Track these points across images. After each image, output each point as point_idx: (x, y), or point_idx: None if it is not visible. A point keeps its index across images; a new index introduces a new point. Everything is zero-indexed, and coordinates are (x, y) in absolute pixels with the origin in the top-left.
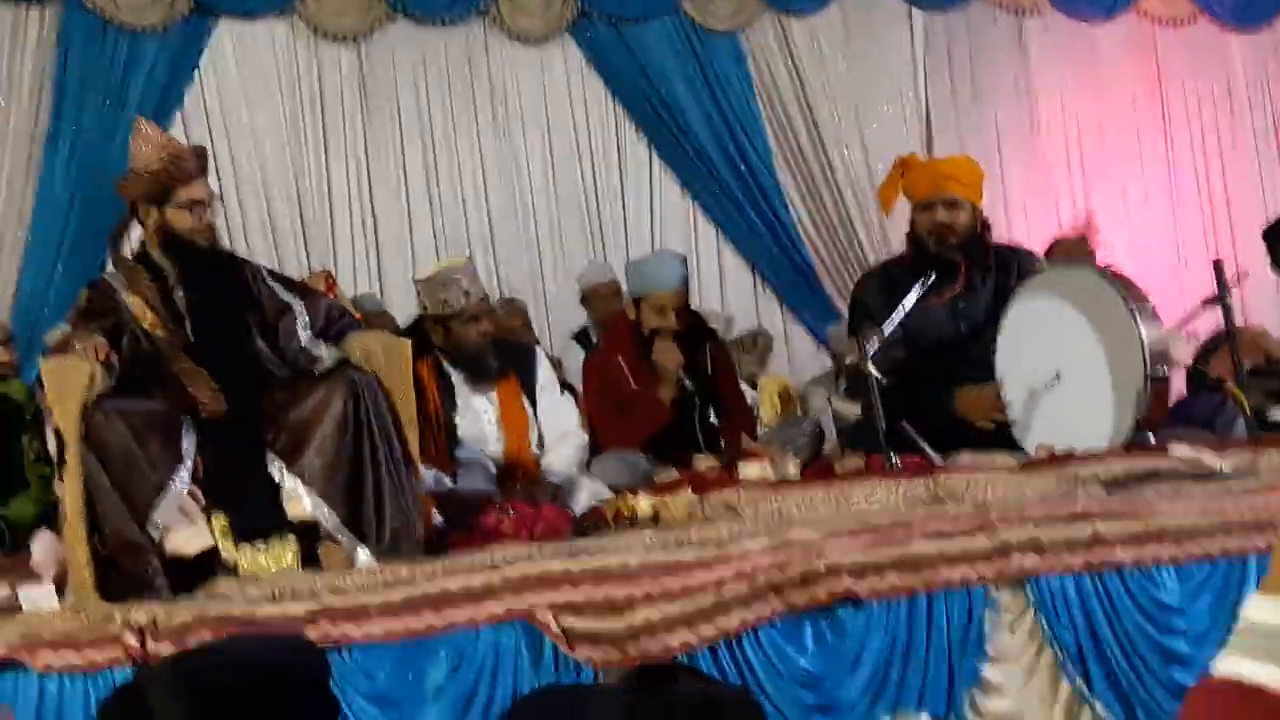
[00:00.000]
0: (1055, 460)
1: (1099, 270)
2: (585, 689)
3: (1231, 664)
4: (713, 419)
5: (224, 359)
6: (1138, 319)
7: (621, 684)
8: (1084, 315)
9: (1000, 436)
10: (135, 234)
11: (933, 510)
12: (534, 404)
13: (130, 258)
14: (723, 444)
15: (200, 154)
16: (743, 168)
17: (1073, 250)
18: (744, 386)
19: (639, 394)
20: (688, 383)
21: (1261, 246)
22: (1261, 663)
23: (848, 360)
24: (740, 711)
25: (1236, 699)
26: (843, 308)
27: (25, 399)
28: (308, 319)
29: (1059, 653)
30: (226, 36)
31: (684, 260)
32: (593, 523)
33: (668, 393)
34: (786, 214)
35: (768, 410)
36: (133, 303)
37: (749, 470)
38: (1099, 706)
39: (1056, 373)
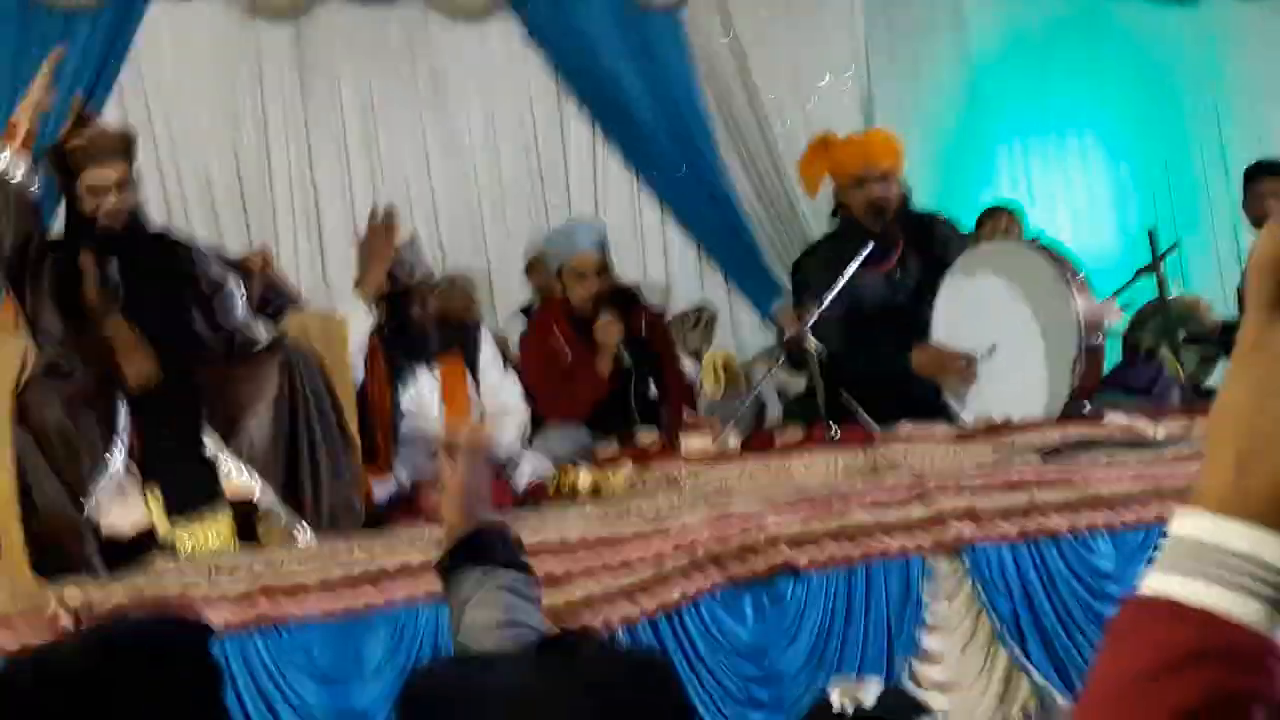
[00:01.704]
0: (992, 430)
1: (1030, 243)
2: (494, 655)
3: (1159, 581)
4: (652, 392)
5: (159, 334)
6: (1071, 289)
7: (528, 650)
8: (1018, 288)
9: (938, 407)
10: None
11: (870, 480)
12: (477, 381)
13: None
14: (662, 416)
15: (115, 138)
16: (684, 142)
17: (1002, 223)
18: (688, 361)
19: (576, 367)
20: (626, 355)
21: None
22: (1189, 578)
23: (788, 333)
24: (651, 672)
25: (1165, 616)
26: (786, 281)
27: None
28: (244, 296)
29: (996, 621)
30: (161, 15)
31: (600, 227)
32: (534, 497)
33: (605, 365)
34: (730, 189)
35: (711, 384)
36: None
37: (690, 443)
38: (1035, 674)
39: (992, 344)
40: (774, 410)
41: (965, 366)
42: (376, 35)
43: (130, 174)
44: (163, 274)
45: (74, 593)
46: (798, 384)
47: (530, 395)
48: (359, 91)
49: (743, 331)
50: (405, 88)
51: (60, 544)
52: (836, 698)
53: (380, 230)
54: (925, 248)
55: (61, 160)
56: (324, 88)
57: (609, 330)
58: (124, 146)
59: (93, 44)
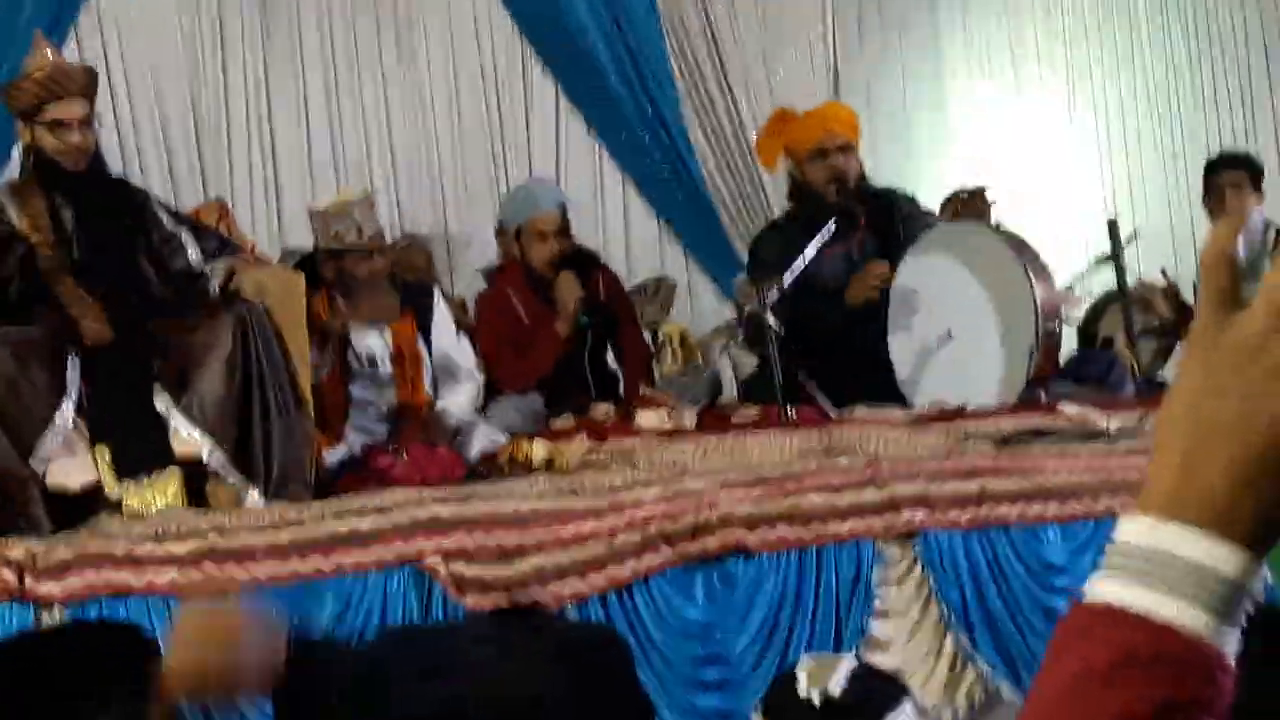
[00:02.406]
0: (946, 416)
1: (991, 228)
2: (452, 625)
3: (1102, 588)
4: (610, 362)
5: (111, 284)
6: (1030, 276)
7: (486, 621)
8: (975, 273)
9: (893, 392)
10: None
11: (824, 463)
12: (429, 344)
13: (22, 170)
14: (620, 382)
15: (78, 73)
16: (650, 111)
17: (967, 206)
18: (644, 333)
19: (534, 329)
20: (584, 317)
21: (1155, 206)
22: (1135, 585)
23: (747, 309)
24: (613, 645)
25: (1112, 623)
26: (747, 257)
27: None
28: (199, 249)
29: (945, 609)
30: None
31: (559, 188)
32: (486, 467)
33: (564, 327)
34: (693, 161)
35: (668, 358)
36: (19, 220)
37: (646, 418)
38: (982, 663)
39: (948, 330)
40: (729, 388)
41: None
42: None
43: (91, 113)
44: (118, 222)
45: (17, 548)
46: (753, 362)
47: (485, 361)
48: (321, 41)
49: (701, 306)
50: (368, 39)
51: (5, 498)
52: (804, 681)
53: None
54: (885, 224)
55: (20, 96)
56: (286, 35)
57: (568, 287)
58: (87, 83)
59: None
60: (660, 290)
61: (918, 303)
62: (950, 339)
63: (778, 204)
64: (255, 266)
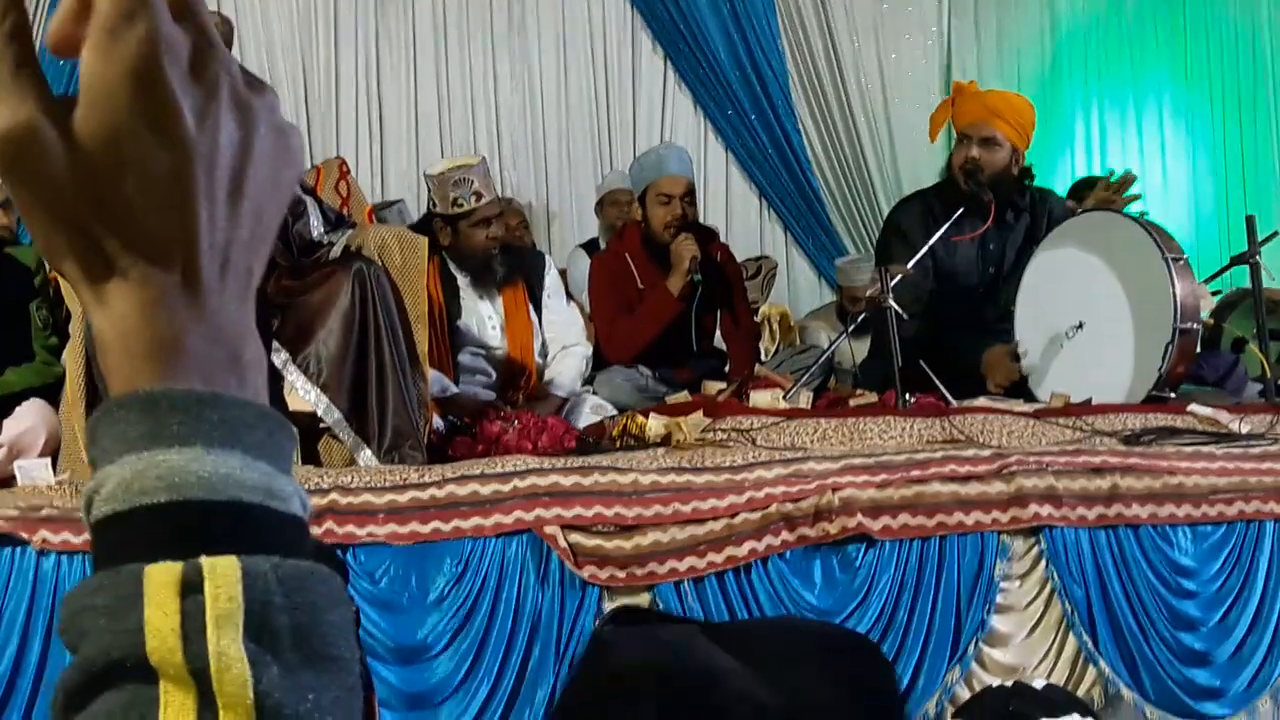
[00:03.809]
0: (1072, 410)
1: (1133, 219)
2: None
3: None
4: (717, 338)
5: None
6: (1171, 271)
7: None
8: (1112, 264)
9: (1015, 383)
10: None
11: (949, 452)
12: (539, 312)
13: None
14: (727, 353)
15: (215, 22)
16: (758, 89)
17: (1104, 194)
18: None
19: (645, 292)
20: (697, 276)
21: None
22: None
23: (868, 293)
24: (869, 649)
25: None
26: (848, 240)
27: (34, 264)
28: (321, 218)
29: (1068, 607)
30: None
31: (690, 158)
32: (596, 439)
33: (676, 283)
34: (799, 140)
35: (767, 336)
36: None
37: (761, 398)
38: (1103, 665)
39: (1079, 321)
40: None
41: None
42: None
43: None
44: None
45: None
46: (859, 348)
47: (596, 323)
48: (433, 7)
49: (799, 287)
50: (480, 7)
51: None
52: None
53: None
54: (1034, 226)
55: None
56: (399, 4)
57: (686, 244)
58: (224, 32)
59: None
60: (761, 270)
61: (1051, 293)
62: (1081, 330)
63: (882, 189)
64: (376, 228)
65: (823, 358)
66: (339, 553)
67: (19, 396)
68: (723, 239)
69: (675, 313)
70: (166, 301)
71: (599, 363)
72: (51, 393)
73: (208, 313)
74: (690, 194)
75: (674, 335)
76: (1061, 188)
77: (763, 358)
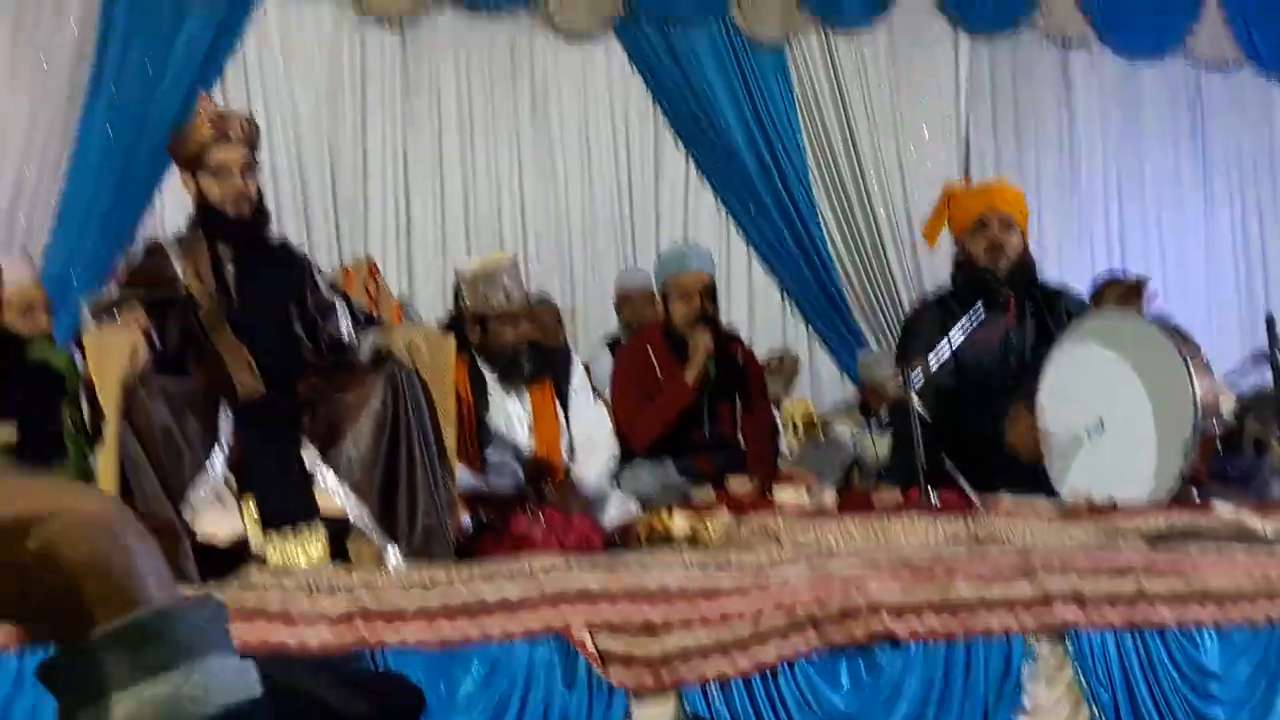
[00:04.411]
0: (1096, 510)
1: (1151, 318)
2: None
3: None
4: (738, 428)
5: (266, 340)
6: (1190, 371)
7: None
8: (1132, 363)
9: (1039, 481)
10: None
11: (974, 552)
12: (566, 409)
13: (190, 223)
14: (743, 446)
15: (241, 121)
16: (779, 183)
17: (1123, 296)
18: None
19: (664, 382)
20: (713, 369)
21: None
22: None
23: (891, 391)
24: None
25: None
26: (870, 335)
27: (65, 367)
28: (350, 319)
29: (1095, 711)
30: (273, 8)
31: (711, 256)
32: (624, 537)
33: (692, 374)
34: (820, 234)
35: (790, 434)
36: (184, 270)
37: (785, 495)
38: None
39: (1100, 420)
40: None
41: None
42: (482, 48)
43: (253, 160)
44: (278, 280)
45: None
46: (873, 450)
47: (615, 412)
48: (459, 103)
49: (822, 382)
50: (505, 102)
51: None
52: None
53: None
54: (1046, 320)
55: (185, 145)
56: (425, 97)
57: (701, 338)
58: (249, 131)
59: (203, 34)
60: (784, 365)
61: (1070, 390)
62: (1102, 429)
63: (903, 283)
64: (404, 328)
65: (848, 458)
66: (412, 682)
67: None
68: (744, 333)
69: (689, 400)
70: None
71: (623, 455)
72: None
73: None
74: (710, 290)
75: (690, 423)
76: (1081, 280)
77: (785, 453)
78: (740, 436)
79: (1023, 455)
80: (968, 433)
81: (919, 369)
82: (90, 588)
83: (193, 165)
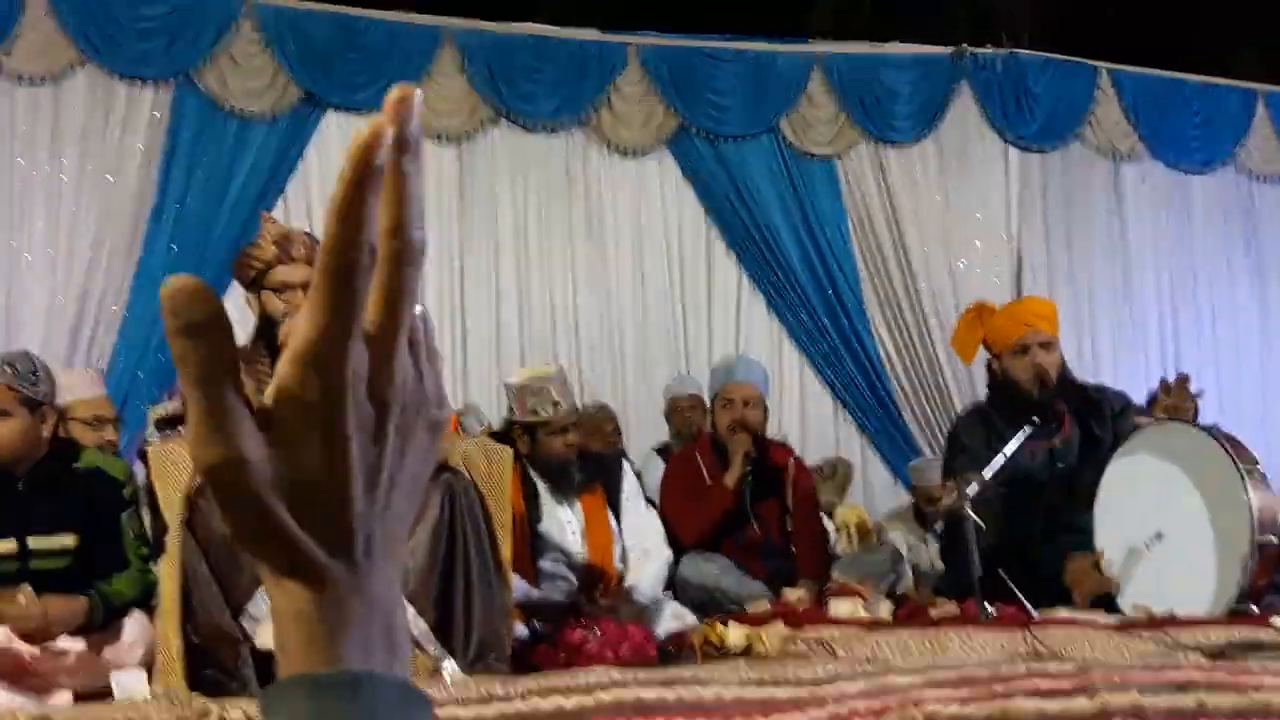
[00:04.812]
0: (1155, 623)
1: (1207, 429)
2: None
3: None
4: (788, 534)
5: None
6: (1246, 483)
7: None
8: (1188, 474)
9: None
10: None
11: (1032, 666)
12: (619, 517)
13: (251, 338)
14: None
15: (303, 240)
16: (830, 293)
17: (1170, 401)
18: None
19: (709, 487)
20: (748, 469)
21: None
22: None
23: (944, 502)
24: None
25: None
26: (922, 442)
27: (124, 477)
28: None
29: None
30: (333, 127)
31: (765, 372)
32: (678, 647)
33: (732, 476)
34: (871, 343)
35: (844, 541)
36: (246, 384)
37: (840, 607)
38: None
39: (1158, 532)
40: (907, 574)
41: (1108, 586)
42: (537, 163)
43: None
44: None
45: (235, 709)
46: (936, 549)
47: (665, 515)
48: (515, 216)
49: (874, 489)
50: (560, 216)
51: (214, 655)
52: None
53: None
54: (1089, 421)
55: (248, 265)
56: (481, 211)
57: (741, 441)
58: (311, 250)
59: (266, 151)
60: (837, 472)
61: (1127, 502)
62: (1160, 541)
63: (956, 391)
64: (462, 439)
65: (903, 570)
66: None
67: (122, 610)
68: (796, 439)
69: (731, 503)
70: (335, 590)
71: (677, 554)
72: (145, 600)
73: (367, 591)
74: (755, 400)
75: (735, 526)
76: (1136, 390)
77: (837, 552)
78: (791, 544)
79: (1079, 596)
80: (1019, 542)
81: (974, 480)
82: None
83: (256, 283)
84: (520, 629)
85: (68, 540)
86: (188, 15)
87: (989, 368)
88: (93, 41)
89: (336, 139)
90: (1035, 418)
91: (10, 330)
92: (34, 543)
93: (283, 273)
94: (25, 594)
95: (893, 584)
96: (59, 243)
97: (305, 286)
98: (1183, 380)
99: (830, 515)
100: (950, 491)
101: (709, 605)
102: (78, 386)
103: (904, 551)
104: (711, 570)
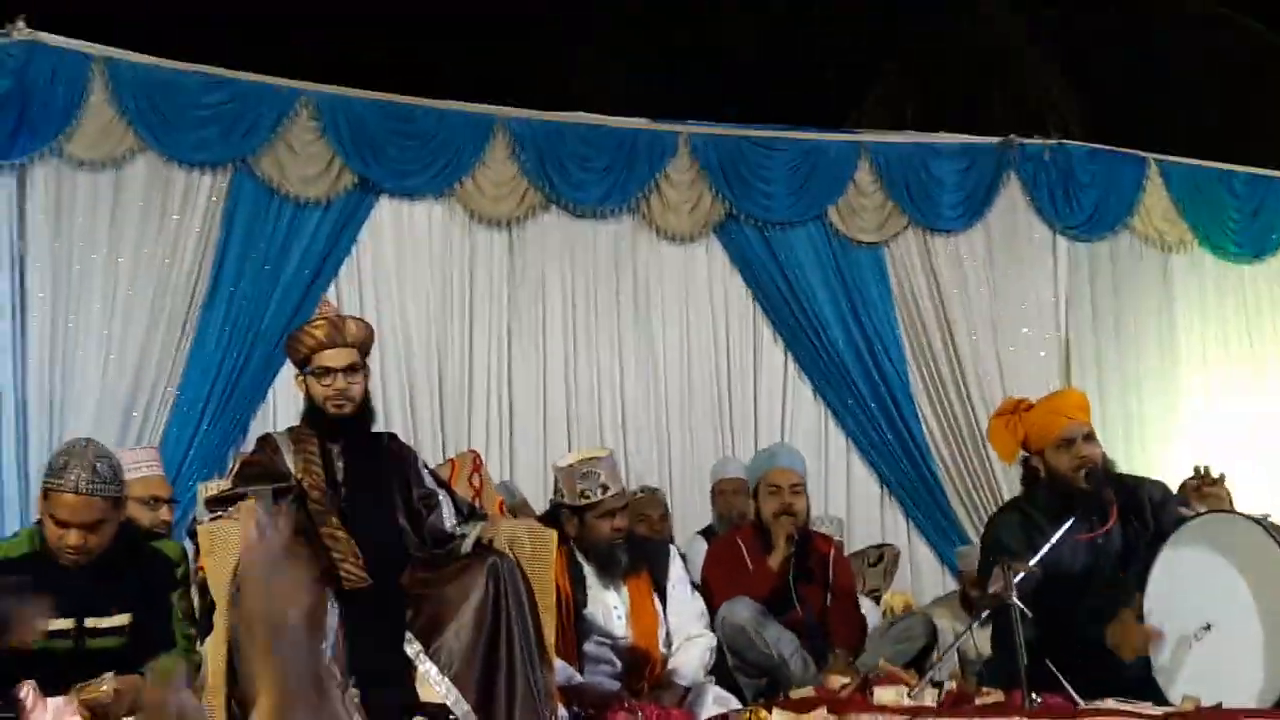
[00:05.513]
0: (1204, 714)
1: (1255, 519)
2: None
3: None
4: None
5: (372, 532)
6: None
7: None
8: (1237, 566)
9: (1144, 685)
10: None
11: None
12: (664, 602)
13: (302, 417)
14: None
15: (352, 326)
16: (877, 378)
17: (1213, 493)
18: (865, 600)
19: (753, 571)
20: (791, 551)
21: None
22: None
23: (990, 589)
24: None
25: None
26: (969, 527)
27: (178, 558)
28: (454, 511)
29: None
30: (386, 213)
31: (804, 461)
32: None
33: (776, 559)
34: (919, 428)
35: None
36: (295, 463)
37: (885, 694)
38: None
39: (1207, 623)
40: (952, 663)
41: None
42: (586, 248)
43: (362, 362)
44: (384, 473)
45: None
46: (981, 636)
47: (708, 599)
48: (563, 301)
49: (921, 574)
50: (608, 301)
51: None
52: None
53: None
54: (1129, 512)
55: (297, 347)
56: (530, 295)
57: (783, 525)
58: (361, 336)
59: (319, 236)
60: (884, 557)
61: (1176, 594)
62: (1209, 632)
63: (1004, 477)
64: (506, 521)
65: (944, 655)
66: None
67: None
68: (843, 523)
69: (774, 583)
70: None
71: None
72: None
73: None
74: (799, 486)
75: (778, 609)
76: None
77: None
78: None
79: (1124, 655)
80: (1063, 633)
81: (1020, 568)
82: None
83: (303, 365)
84: (562, 713)
85: (122, 620)
86: (246, 103)
87: (1025, 463)
88: (152, 128)
89: (389, 223)
90: (1079, 510)
91: (65, 409)
92: (90, 622)
93: (327, 356)
94: (109, 684)
95: (931, 662)
96: (114, 324)
97: (348, 369)
98: (1206, 474)
99: (877, 601)
100: (996, 579)
101: (745, 649)
102: (137, 466)
103: (949, 638)
104: (748, 616)
